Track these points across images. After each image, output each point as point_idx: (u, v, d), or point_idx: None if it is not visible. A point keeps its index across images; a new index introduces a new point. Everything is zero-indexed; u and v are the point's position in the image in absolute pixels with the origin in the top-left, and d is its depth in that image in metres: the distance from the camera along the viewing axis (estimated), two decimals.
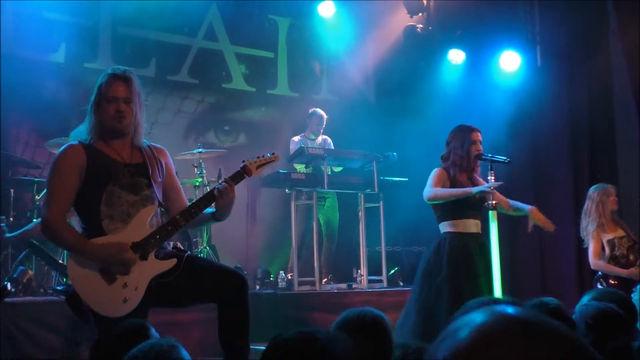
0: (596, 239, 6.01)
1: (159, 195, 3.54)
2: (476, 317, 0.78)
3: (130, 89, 3.48)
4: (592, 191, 6.20)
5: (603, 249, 6.01)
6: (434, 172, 4.88)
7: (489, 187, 4.63)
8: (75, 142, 3.50)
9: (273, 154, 3.88)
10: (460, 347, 0.75)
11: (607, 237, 6.01)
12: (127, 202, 3.40)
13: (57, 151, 3.50)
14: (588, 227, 6.11)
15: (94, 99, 3.45)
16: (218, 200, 3.47)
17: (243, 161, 3.70)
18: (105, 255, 3.29)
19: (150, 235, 3.38)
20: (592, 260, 6.03)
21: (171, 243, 3.79)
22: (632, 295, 3.76)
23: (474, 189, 4.68)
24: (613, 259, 5.95)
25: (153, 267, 3.38)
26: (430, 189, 4.78)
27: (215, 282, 3.46)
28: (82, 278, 3.31)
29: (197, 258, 3.59)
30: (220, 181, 3.55)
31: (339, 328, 2.41)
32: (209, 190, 6.95)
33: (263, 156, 3.80)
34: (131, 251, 3.31)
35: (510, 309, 0.79)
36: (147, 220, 3.42)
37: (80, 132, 3.64)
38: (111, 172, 3.41)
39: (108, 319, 3.25)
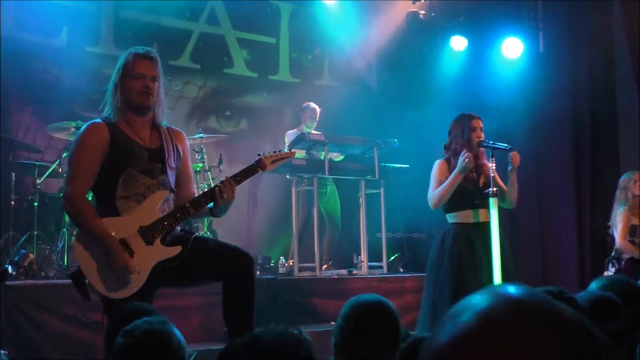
0: (625, 221, 6.17)
1: (171, 181, 3.55)
2: (478, 300, 0.77)
3: (156, 67, 3.53)
4: (621, 179, 6.44)
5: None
6: (435, 168, 4.88)
7: (465, 162, 4.60)
8: (99, 120, 3.53)
9: (290, 150, 3.87)
10: (462, 332, 0.75)
11: (633, 221, 6.18)
12: (144, 184, 3.44)
13: (82, 131, 3.52)
14: (616, 210, 6.29)
15: (119, 77, 3.47)
16: (217, 199, 3.47)
17: (259, 154, 3.67)
18: (107, 249, 3.30)
19: (158, 220, 3.41)
20: (619, 240, 6.15)
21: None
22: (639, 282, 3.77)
23: (458, 168, 4.66)
24: (632, 244, 6.11)
25: (158, 252, 3.40)
26: (431, 195, 4.79)
27: (222, 261, 3.50)
28: (88, 257, 3.35)
29: (204, 239, 3.62)
30: (226, 177, 3.55)
31: (348, 316, 2.42)
32: (209, 175, 7.03)
33: (280, 151, 3.75)
34: (127, 256, 3.31)
35: (512, 290, 0.78)
36: (157, 204, 3.45)
37: None
38: (132, 155, 3.44)
39: (111, 299, 3.29)
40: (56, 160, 6.36)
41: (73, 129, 6.27)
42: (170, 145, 3.58)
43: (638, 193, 6.20)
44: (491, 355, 0.72)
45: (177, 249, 3.42)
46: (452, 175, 4.73)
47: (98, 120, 3.54)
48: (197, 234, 3.67)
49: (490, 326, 0.74)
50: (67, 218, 6.05)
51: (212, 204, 3.53)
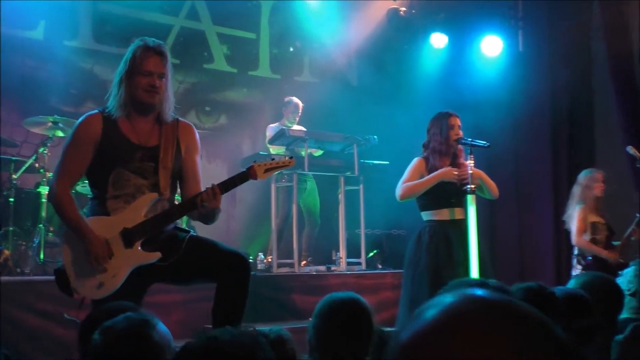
0: (582, 218, 6.07)
1: (165, 182, 3.43)
2: (444, 299, 0.78)
3: (165, 63, 3.41)
4: (581, 176, 6.29)
5: (586, 229, 6.09)
6: (412, 163, 4.89)
7: (445, 175, 4.67)
8: (96, 112, 3.46)
9: (290, 157, 3.62)
10: (425, 328, 0.75)
11: (592, 218, 6.10)
12: (135, 185, 3.37)
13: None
14: (572, 207, 6.20)
15: (126, 70, 3.36)
16: (199, 208, 3.32)
17: (254, 161, 3.49)
18: (88, 244, 3.27)
19: (141, 223, 3.33)
20: (575, 237, 6.08)
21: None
22: (618, 278, 3.83)
23: (437, 175, 4.71)
24: (593, 242, 6.05)
25: (136, 257, 3.33)
26: (402, 186, 4.80)
27: (217, 262, 3.41)
28: (72, 253, 3.33)
29: (200, 238, 3.51)
30: (213, 184, 3.35)
31: (322, 313, 2.43)
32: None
33: (274, 159, 3.54)
34: (107, 249, 3.28)
35: (479, 291, 0.79)
36: (144, 207, 3.36)
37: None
38: (121, 155, 3.36)
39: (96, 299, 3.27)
40: (33, 155, 6.29)
41: (50, 124, 6.21)
42: (170, 143, 3.46)
43: (599, 194, 6.12)
44: (453, 351, 0.72)
45: (156, 255, 3.33)
46: (429, 176, 4.74)
47: (95, 111, 3.47)
48: (192, 232, 3.56)
49: (453, 322, 0.74)
50: (43, 213, 6.00)
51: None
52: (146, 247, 3.36)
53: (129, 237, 3.32)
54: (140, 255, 3.34)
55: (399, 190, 4.81)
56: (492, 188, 4.92)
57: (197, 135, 3.64)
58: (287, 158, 3.58)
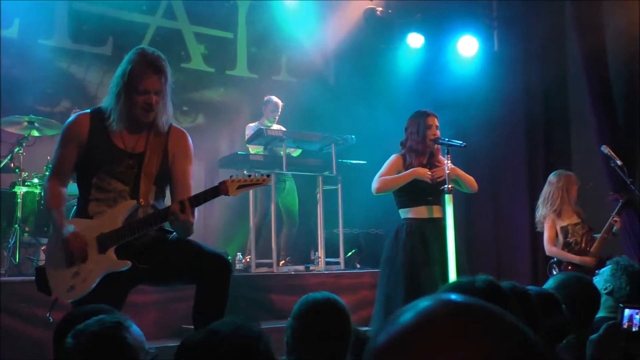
0: (550, 225, 6.00)
1: (146, 188, 3.41)
2: (421, 304, 0.79)
3: (163, 80, 3.36)
4: (554, 177, 6.12)
5: (557, 235, 6.05)
6: (390, 159, 4.93)
7: (422, 175, 4.71)
8: (87, 112, 3.48)
9: (266, 175, 3.46)
10: (400, 332, 0.77)
11: (560, 224, 5.98)
12: (115, 189, 3.37)
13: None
14: (543, 213, 6.09)
15: (123, 84, 3.31)
16: (171, 222, 3.31)
17: (231, 176, 3.38)
18: (62, 240, 3.28)
19: (116, 230, 3.32)
20: (547, 246, 6.01)
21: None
22: (594, 277, 3.88)
23: (413, 173, 4.75)
24: (566, 246, 5.97)
25: (108, 263, 3.32)
26: (378, 179, 4.83)
27: (200, 264, 3.40)
28: (52, 253, 3.37)
29: (182, 240, 3.47)
30: (186, 198, 3.31)
31: (300, 312, 2.43)
32: None
33: (250, 176, 3.41)
34: (84, 246, 3.28)
35: (454, 296, 0.80)
36: (122, 214, 3.35)
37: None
38: (105, 159, 3.36)
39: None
40: (8, 155, 6.22)
41: (26, 123, 6.16)
42: (157, 150, 3.44)
43: (570, 196, 6.00)
44: (425, 356, 0.74)
45: (125, 264, 3.30)
46: (404, 173, 4.78)
47: (87, 111, 3.49)
48: (174, 234, 3.54)
49: (426, 327, 0.76)
50: (19, 214, 5.95)
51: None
52: (122, 252, 3.33)
53: (103, 242, 3.32)
54: (111, 262, 3.32)
55: (375, 183, 4.85)
56: (470, 182, 4.95)
57: (190, 142, 3.60)
58: (262, 176, 3.43)
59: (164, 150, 3.47)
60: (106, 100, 3.42)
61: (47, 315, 3.44)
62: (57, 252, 3.32)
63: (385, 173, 4.86)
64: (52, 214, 3.40)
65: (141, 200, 3.41)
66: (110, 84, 3.43)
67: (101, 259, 3.32)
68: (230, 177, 3.37)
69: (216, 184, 3.36)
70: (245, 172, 3.56)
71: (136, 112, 3.35)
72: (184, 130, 3.63)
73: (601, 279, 3.78)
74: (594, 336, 2.88)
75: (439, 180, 4.74)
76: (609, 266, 3.85)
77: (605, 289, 3.68)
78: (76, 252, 3.28)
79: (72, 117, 3.51)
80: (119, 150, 3.39)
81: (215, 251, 3.57)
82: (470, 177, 4.97)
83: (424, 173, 4.76)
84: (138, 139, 3.43)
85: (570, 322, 2.65)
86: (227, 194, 3.32)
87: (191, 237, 3.51)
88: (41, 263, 4.13)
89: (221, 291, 3.41)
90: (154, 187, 3.47)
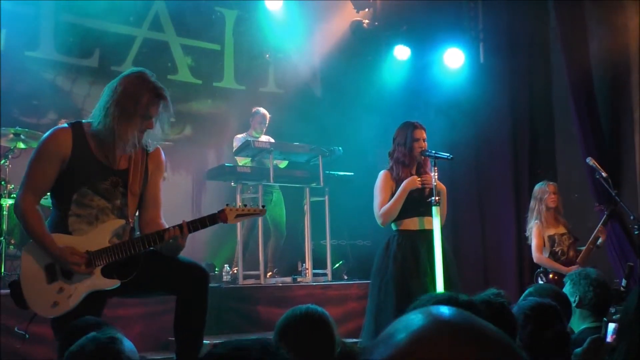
0: (538, 234, 6.12)
1: (133, 207, 3.43)
2: (413, 320, 0.81)
3: (162, 107, 3.40)
4: (535, 189, 6.35)
5: (544, 244, 6.13)
6: (379, 180, 4.92)
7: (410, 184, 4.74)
8: (67, 126, 3.39)
9: (263, 207, 3.69)
10: (394, 352, 0.78)
11: (547, 232, 6.13)
12: (98, 206, 3.33)
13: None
14: (530, 225, 6.25)
15: (126, 108, 3.29)
16: (166, 245, 3.34)
17: (227, 204, 3.50)
18: (58, 253, 3.23)
19: (105, 249, 3.30)
20: (535, 254, 6.11)
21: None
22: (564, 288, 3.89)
23: (402, 187, 4.76)
24: (553, 255, 6.06)
25: (95, 281, 3.29)
26: (380, 213, 4.82)
27: (177, 274, 3.40)
28: (29, 269, 3.27)
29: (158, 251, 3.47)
30: (184, 221, 3.36)
31: (284, 326, 2.43)
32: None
33: (247, 206, 3.59)
34: (82, 257, 3.25)
35: (445, 312, 0.82)
36: (110, 232, 3.33)
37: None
38: (89, 176, 3.31)
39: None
40: None
41: (12, 135, 6.13)
42: (139, 167, 3.44)
43: (552, 205, 6.17)
44: None
45: (113, 282, 3.30)
46: (398, 192, 4.77)
47: (65, 125, 3.40)
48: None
49: (421, 347, 0.77)
50: (4, 226, 5.91)
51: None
52: (106, 269, 3.32)
53: (90, 260, 3.28)
54: (98, 281, 3.30)
55: (379, 218, 4.85)
56: (443, 213, 4.91)
57: (164, 156, 3.63)
58: (260, 207, 3.66)
59: (144, 167, 3.48)
60: (96, 116, 3.35)
61: (19, 330, 3.43)
62: (39, 268, 3.26)
63: (383, 198, 4.84)
64: (40, 239, 3.27)
65: (130, 219, 3.41)
66: (105, 101, 3.34)
67: (88, 277, 3.28)
68: (227, 205, 3.48)
69: (215, 211, 3.46)
70: (239, 203, 3.63)
71: (134, 133, 3.32)
72: (158, 146, 3.63)
73: (567, 292, 3.80)
74: (578, 350, 2.89)
75: (427, 186, 4.75)
76: (567, 280, 3.87)
77: (574, 301, 3.70)
78: (76, 267, 3.23)
79: (49, 132, 3.39)
80: (103, 166, 3.36)
81: (192, 261, 3.57)
82: (445, 209, 4.94)
83: (414, 181, 4.76)
84: (121, 155, 3.40)
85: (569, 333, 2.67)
86: (225, 221, 3.45)
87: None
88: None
89: (200, 301, 3.41)
90: (139, 203, 3.48)
